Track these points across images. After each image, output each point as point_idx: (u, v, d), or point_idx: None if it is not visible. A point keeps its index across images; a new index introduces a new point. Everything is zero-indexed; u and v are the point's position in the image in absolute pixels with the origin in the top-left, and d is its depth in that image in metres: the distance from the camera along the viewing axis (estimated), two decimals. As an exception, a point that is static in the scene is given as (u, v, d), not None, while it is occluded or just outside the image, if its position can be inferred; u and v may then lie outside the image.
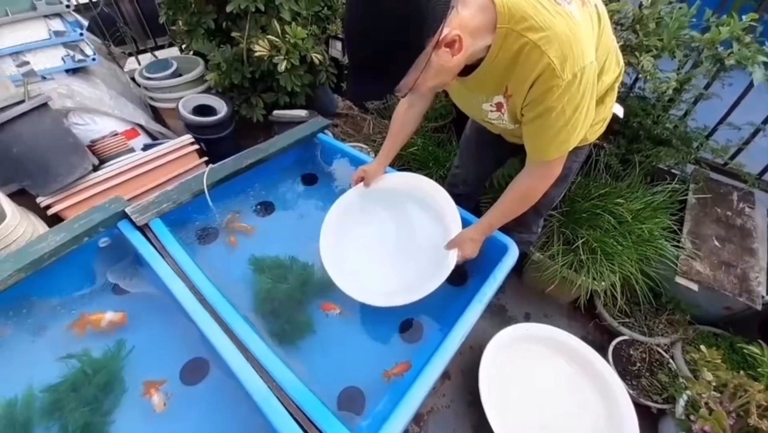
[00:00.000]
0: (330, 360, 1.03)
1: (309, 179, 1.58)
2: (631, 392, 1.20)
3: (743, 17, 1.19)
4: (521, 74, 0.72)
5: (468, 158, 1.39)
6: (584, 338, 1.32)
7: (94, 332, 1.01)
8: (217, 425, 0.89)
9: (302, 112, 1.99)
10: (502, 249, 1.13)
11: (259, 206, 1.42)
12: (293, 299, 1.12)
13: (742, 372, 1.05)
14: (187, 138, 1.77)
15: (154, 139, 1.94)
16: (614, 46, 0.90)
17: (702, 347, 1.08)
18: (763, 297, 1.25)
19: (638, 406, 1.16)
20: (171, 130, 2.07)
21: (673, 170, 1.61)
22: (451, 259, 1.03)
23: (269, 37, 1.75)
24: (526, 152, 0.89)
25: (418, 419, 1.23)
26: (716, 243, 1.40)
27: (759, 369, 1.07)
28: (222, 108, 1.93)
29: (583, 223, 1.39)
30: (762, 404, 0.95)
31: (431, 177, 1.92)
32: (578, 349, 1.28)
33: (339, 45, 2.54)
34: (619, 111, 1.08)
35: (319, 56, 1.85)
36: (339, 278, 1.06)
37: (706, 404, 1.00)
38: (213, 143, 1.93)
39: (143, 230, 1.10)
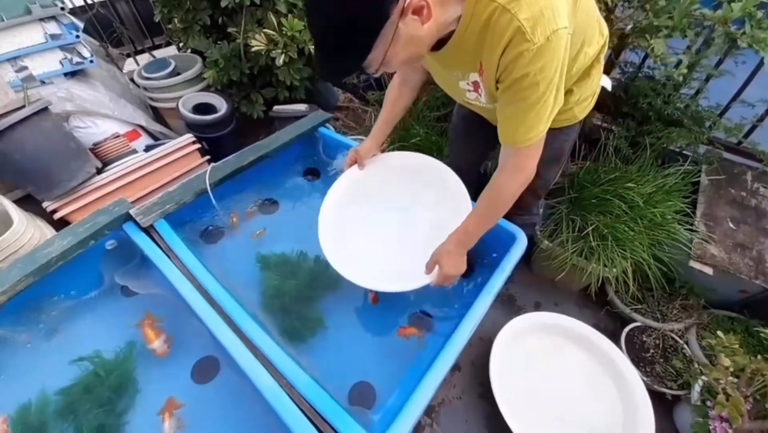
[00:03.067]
0: (340, 355, 1.03)
1: (312, 174, 1.57)
2: (645, 379, 1.19)
3: (756, -7, 1.14)
4: (492, 43, 0.68)
5: (458, 146, 1.36)
6: (596, 326, 1.30)
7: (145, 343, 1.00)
8: (230, 423, 0.89)
9: (302, 107, 1.97)
10: (510, 238, 1.11)
11: (263, 203, 1.41)
12: (302, 295, 1.12)
13: (759, 356, 1.03)
14: (189, 137, 1.75)
15: (156, 139, 1.93)
16: (596, 14, 0.86)
17: (719, 332, 1.05)
18: (780, 279, 1.22)
19: (653, 393, 1.15)
20: (172, 129, 2.06)
21: (684, 151, 1.57)
22: (427, 278, 0.95)
23: (266, 30, 1.72)
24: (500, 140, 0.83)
25: (429, 411, 1.23)
26: (731, 225, 1.36)
27: (777, 353, 1.05)
28: (222, 106, 1.92)
29: (592, 209, 1.37)
30: (780, 387, 0.93)
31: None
32: (590, 337, 1.26)
33: (337, 36, 2.50)
34: (607, 84, 1.04)
35: (317, 48, 1.82)
36: (337, 262, 1.02)
37: (724, 389, 0.98)
38: (214, 142, 1.92)
39: (148, 231, 1.10)
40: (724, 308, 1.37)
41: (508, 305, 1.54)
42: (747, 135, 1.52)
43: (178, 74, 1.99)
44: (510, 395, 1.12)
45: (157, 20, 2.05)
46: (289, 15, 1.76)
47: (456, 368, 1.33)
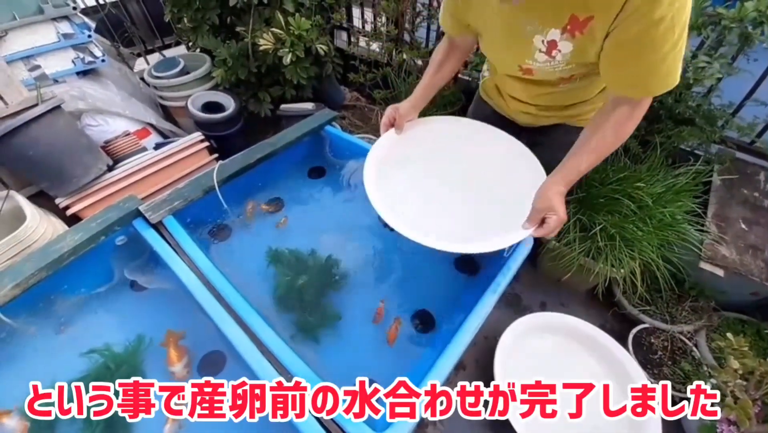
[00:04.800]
0: (345, 352, 1.03)
1: (317, 172, 1.58)
2: (652, 381, 1.17)
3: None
4: None
5: None
6: (602, 327, 1.29)
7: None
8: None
9: (309, 105, 1.98)
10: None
11: (270, 201, 1.43)
12: (312, 292, 1.13)
13: (770, 359, 1.01)
14: (198, 135, 1.78)
15: (166, 137, 1.96)
16: None
17: (729, 334, 1.04)
18: (793, 281, 1.19)
19: (660, 395, 1.13)
20: (181, 128, 2.09)
21: (696, 151, 1.54)
22: (526, 230, 0.84)
23: (273, 29, 1.74)
24: (612, 91, 0.74)
25: (433, 409, 1.23)
26: (743, 226, 1.34)
27: (789, 356, 1.03)
28: (230, 104, 1.94)
29: (600, 208, 1.35)
30: (791, 392, 0.92)
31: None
32: (596, 338, 1.25)
33: (344, 35, 2.50)
34: None
35: (324, 47, 1.83)
36: (405, 227, 0.87)
37: (732, 392, 0.97)
38: (223, 140, 1.95)
39: (157, 227, 1.12)
40: (734, 310, 1.34)
41: (514, 305, 1.53)
42: (760, 134, 1.49)
43: (188, 73, 2.02)
44: (514, 394, 1.11)
45: (167, 20, 2.08)
46: (297, 14, 1.77)
47: (460, 366, 1.33)
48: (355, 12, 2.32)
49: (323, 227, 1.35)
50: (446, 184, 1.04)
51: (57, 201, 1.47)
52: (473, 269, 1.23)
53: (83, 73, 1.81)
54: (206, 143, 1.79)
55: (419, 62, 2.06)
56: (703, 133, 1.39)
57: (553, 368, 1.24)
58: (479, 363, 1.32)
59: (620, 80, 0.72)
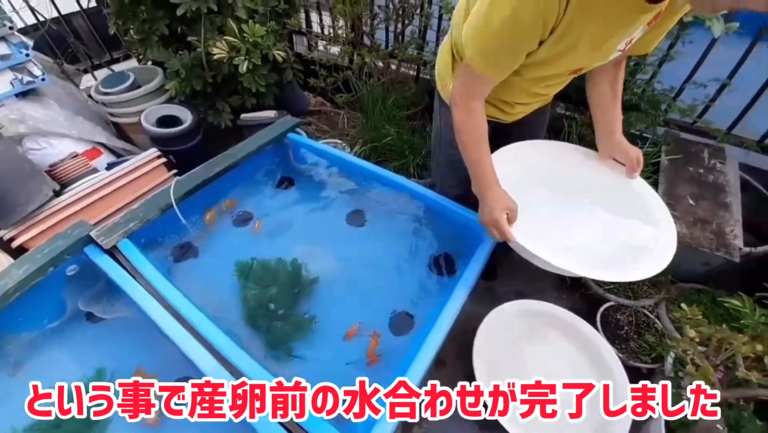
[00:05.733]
0: (323, 360, 1.02)
1: (285, 181, 1.55)
2: (620, 355, 1.22)
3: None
4: None
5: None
6: (572, 308, 1.33)
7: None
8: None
9: (271, 113, 1.94)
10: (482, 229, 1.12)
11: (237, 215, 1.39)
12: (284, 304, 1.10)
13: (725, 325, 1.07)
14: (153, 152, 1.70)
15: (119, 156, 1.86)
16: None
17: (683, 305, 1.10)
18: (740, 249, 1.28)
19: (629, 368, 1.19)
20: (136, 145, 2.00)
21: (644, 134, 1.63)
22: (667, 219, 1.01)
23: (227, 37, 1.69)
24: (639, 53, 0.91)
25: (417, 408, 1.23)
26: (691, 202, 1.42)
27: (742, 321, 1.08)
28: (187, 117, 1.87)
29: (561, 196, 1.40)
30: (749, 355, 0.95)
31: (408, 166, 1.91)
32: (566, 319, 1.30)
33: (305, 40, 2.47)
34: None
35: (281, 53, 1.80)
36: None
37: (692, 360, 1.02)
38: (182, 154, 1.87)
39: (112, 252, 1.06)
40: (690, 281, 1.42)
41: (489, 296, 1.56)
42: (701, 115, 1.59)
43: (139, 87, 1.93)
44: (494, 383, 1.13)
45: (111, 33, 1.98)
46: (250, 21, 1.73)
47: (441, 363, 1.34)
48: (315, 17, 2.30)
49: (293, 237, 1.33)
50: (580, 217, 1.07)
51: (0, 234, 1.36)
52: (449, 266, 1.24)
53: (22, 95, 1.69)
54: (163, 159, 1.72)
55: (380, 64, 2.07)
56: (649, 117, 1.47)
57: (529, 353, 1.27)
58: (460, 357, 1.33)
59: (645, 47, 0.87)
